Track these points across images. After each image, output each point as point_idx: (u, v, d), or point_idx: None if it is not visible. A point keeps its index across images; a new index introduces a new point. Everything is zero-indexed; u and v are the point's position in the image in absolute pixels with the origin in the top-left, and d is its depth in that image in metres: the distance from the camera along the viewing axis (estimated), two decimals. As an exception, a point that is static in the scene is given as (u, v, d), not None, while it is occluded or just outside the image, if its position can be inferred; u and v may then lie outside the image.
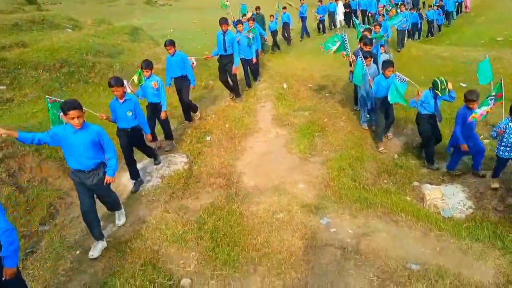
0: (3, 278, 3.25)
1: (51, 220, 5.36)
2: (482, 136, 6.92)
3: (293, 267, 4.31)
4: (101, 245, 4.70)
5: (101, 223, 4.94)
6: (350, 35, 9.34)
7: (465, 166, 6.43)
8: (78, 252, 4.80)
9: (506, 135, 5.23)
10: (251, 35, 9.46)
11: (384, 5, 19.72)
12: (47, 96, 5.18)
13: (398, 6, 16.12)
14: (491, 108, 5.60)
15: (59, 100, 4.97)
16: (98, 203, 4.82)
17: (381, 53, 9.15)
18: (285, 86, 10.51)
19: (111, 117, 5.67)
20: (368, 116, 8.17)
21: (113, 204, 5.08)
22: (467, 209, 5.39)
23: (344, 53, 8.42)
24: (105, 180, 4.56)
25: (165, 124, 7.14)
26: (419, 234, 4.78)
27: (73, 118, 4.15)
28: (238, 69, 9.04)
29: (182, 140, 7.59)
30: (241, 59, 9.39)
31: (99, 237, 4.70)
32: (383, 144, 7.40)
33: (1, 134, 4.02)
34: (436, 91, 6.24)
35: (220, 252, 4.54)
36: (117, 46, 12.31)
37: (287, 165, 6.77)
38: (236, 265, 4.36)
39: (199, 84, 10.11)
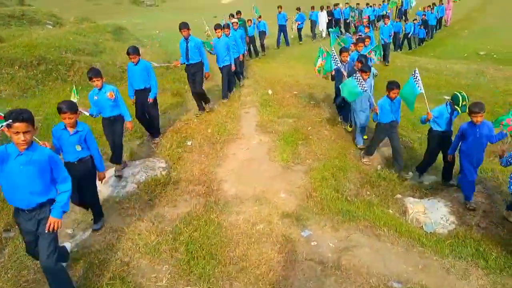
0: None
1: (16, 227, 5.03)
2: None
3: (271, 283, 4.11)
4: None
5: (70, 230, 4.65)
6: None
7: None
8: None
9: None
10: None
11: (369, 16, 19.97)
12: None
13: (382, 19, 16.17)
14: None
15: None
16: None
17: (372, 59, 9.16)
18: (270, 92, 10.38)
19: (55, 144, 4.46)
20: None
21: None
22: (449, 224, 5.31)
23: (316, 69, 8.41)
24: (48, 224, 3.42)
25: (118, 143, 6.01)
26: (402, 250, 4.66)
27: (17, 133, 3.12)
28: (209, 74, 8.30)
29: (161, 144, 7.33)
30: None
31: None
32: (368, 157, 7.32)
33: None
34: (456, 107, 5.53)
35: (195, 265, 4.31)
36: (99, 45, 11.98)
37: (269, 173, 6.59)
38: (211, 280, 4.13)
39: (166, 89, 9.82)
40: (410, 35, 18.47)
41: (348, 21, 20.12)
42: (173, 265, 4.35)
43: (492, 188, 5.94)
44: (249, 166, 6.81)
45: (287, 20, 17.21)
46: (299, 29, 18.48)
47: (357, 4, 20.85)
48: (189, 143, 7.46)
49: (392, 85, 6.28)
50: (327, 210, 5.51)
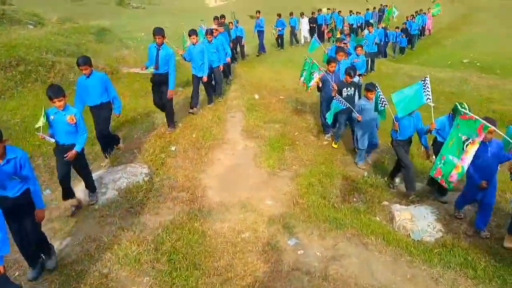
0: None
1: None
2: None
3: (257, 295, 3.97)
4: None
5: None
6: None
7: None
8: (16, 273, 4.26)
9: None
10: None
11: (352, 24, 20.04)
12: None
13: (366, 27, 16.18)
14: None
15: None
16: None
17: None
18: (256, 97, 10.27)
19: None
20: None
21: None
22: (436, 232, 5.26)
23: (302, 79, 8.30)
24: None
25: (85, 171, 5.41)
26: (390, 259, 4.57)
27: None
28: (173, 93, 7.53)
29: (144, 149, 7.11)
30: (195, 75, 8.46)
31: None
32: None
33: None
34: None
35: (178, 277, 4.13)
36: (81, 46, 11.64)
37: (255, 179, 6.47)
38: (194, 292, 3.97)
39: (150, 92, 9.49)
40: (391, 42, 18.74)
41: (330, 27, 20.01)
42: (154, 276, 4.16)
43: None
44: (234, 172, 6.67)
45: (262, 27, 16.82)
46: (280, 35, 18.09)
47: (339, 11, 20.80)
48: (173, 148, 7.26)
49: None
50: (313, 217, 5.40)
